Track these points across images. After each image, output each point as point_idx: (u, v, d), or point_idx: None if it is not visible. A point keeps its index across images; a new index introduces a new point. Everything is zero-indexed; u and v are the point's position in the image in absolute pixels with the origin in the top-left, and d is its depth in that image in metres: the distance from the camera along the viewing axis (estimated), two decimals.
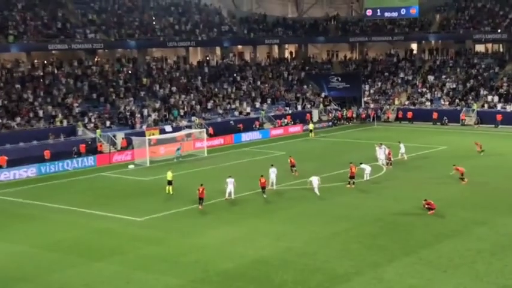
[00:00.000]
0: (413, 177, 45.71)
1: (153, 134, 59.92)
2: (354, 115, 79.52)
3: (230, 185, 40.12)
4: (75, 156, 54.91)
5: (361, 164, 45.51)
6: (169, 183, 42.69)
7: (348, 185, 43.12)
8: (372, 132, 70.21)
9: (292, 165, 48.00)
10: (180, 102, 70.57)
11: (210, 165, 52.99)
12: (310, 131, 69.17)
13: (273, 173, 43.10)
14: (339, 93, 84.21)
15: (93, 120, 61.91)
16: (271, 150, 59.25)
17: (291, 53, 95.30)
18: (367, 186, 43.36)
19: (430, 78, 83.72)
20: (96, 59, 74.66)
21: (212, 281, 26.41)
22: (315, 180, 41.31)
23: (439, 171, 47.48)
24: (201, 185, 39.06)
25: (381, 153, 50.13)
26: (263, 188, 40.94)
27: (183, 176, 47.35)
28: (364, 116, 79.00)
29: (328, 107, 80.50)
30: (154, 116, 65.79)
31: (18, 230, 35.10)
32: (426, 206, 35.65)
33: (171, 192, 42.34)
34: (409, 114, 77.11)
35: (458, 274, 26.38)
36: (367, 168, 44.80)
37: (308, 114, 76.35)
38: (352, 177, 43.19)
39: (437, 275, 26.33)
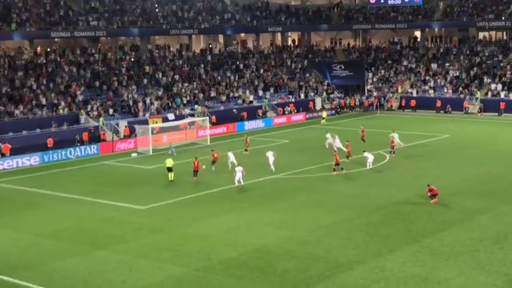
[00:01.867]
0: (416, 166, 45.65)
1: (156, 122, 59.92)
2: (357, 103, 79.40)
3: (239, 173, 40.48)
4: (78, 144, 54.99)
5: (364, 152, 45.51)
6: (170, 170, 42.90)
7: (334, 172, 43.39)
8: (375, 121, 70.12)
9: (247, 145, 51.34)
10: (183, 90, 70.52)
11: None
12: (323, 118, 69.73)
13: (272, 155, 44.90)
14: (342, 81, 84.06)
15: (95, 108, 61.90)
16: (275, 138, 59.17)
17: (293, 40, 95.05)
18: (370, 174, 43.36)
19: (434, 66, 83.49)
20: (98, 47, 74.59)
21: (215, 270, 26.48)
22: (270, 156, 42.57)
23: (441, 160, 47.47)
24: (196, 158, 43.49)
25: (334, 141, 50.50)
26: (213, 162, 45.01)
27: (185, 164, 47.32)
28: (367, 104, 78.88)
29: (331, 95, 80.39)
30: (157, 104, 65.77)
31: (21, 218, 35.20)
32: (429, 193, 35.60)
33: (172, 179, 42.55)
34: (412, 103, 77.01)
35: (460, 263, 26.41)
36: (370, 157, 44.79)
37: (311, 102, 76.33)
38: (337, 164, 43.57)
39: (440, 263, 26.38)
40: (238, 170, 40.69)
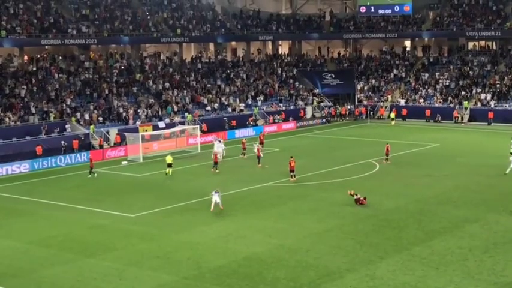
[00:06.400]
0: (406, 174, 45.75)
1: (147, 130, 59.80)
2: (347, 112, 79.62)
3: (216, 197, 36.45)
4: (64, 148, 54.72)
5: None
6: (169, 165, 46.37)
7: (291, 179, 44.18)
8: (365, 129, 70.34)
9: (243, 148, 54.06)
10: (174, 98, 70.48)
11: (204, 161, 52.87)
12: (392, 119, 73.12)
13: (219, 147, 51.69)
14: (333, 90, 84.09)
15: (86, 116, 61.71)
16: (265, 146, 59.07)
17: (284, 50, 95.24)
18: (360, 182, 43.38)
19: (424, 75, 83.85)
20: (89, 55, 74.41)
21: (205, 278, 26.42)
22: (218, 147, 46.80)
23: (431, 169, 47.60)
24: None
25: (219, 147, 52.57)
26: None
27: (176, 172, 47.30)
28: (357, 113, 79.09)
29: (322, 104, 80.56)
30: (147, 111, 65.67)
31: (10, 226, 35.02)
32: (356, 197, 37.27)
33: (170, 174, 46.18)
34: (403, 112, 77.21)
35: (449, 271, 26.46)
36: None
37: (302, 111, 76.46)
38: (292, 170, 44.26)
39: (429, 272, 26.43)
40: (215, 195, 36.32)
